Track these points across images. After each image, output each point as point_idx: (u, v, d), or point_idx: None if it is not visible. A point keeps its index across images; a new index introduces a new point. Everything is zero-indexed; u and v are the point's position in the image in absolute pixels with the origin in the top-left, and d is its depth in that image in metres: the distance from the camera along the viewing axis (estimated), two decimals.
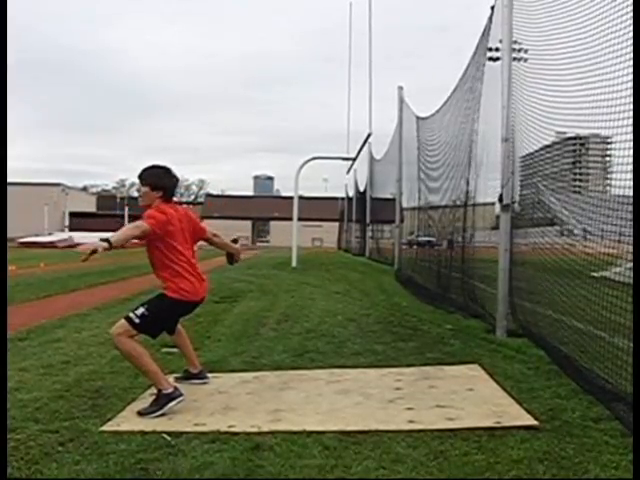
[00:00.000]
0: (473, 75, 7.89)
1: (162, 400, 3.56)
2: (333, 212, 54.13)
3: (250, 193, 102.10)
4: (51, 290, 10.55)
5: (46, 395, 3.85)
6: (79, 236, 45.97)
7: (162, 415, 3.49)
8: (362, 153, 23.12)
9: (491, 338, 5.90)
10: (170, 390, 3.61)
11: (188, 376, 4.24)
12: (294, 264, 19.08)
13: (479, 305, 7.35)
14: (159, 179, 3.84)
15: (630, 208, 3.67)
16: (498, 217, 6.66)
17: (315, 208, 56.80)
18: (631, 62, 3.46)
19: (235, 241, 4.56)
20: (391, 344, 5.70)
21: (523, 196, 6.34)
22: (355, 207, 33.49)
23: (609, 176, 5.74)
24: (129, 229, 3.60)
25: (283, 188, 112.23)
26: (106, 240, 3.28)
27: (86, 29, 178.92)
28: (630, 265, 3.81)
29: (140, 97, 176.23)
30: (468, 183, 7.96)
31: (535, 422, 3.30)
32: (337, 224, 50.97)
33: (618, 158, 3.89)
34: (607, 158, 6.00)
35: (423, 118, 12.76)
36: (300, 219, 21.84)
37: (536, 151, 5.89)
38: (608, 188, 5.60)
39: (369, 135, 19.88)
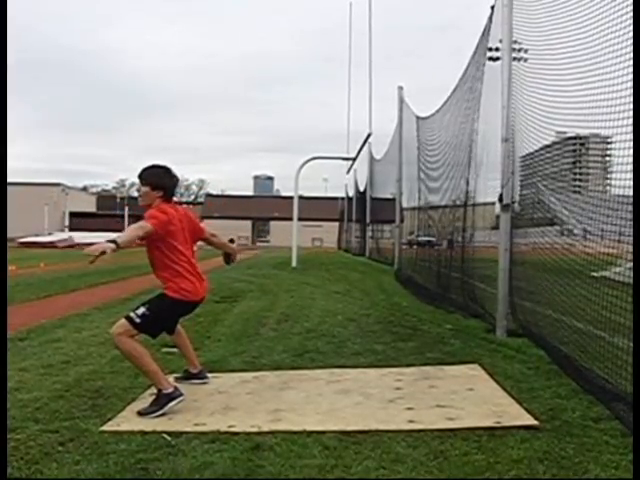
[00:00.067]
0: (473, 75, 7.88)
1: (162, 400, 3.56)
2: (333, 212, 54.13)
3: (250, 193, 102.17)
4: (51, 290, 10.55)
5: (46, 395, 3.85)
6: (79, 236, 46.00)
7: (162, 415, 3.49)
8: (362, 153, 23.14)
9: (491, 338, 5.90)
10: (170, 390, 3.61)
11: (188, 376, 4.24)
12: (294, 264, 19.08)
13: (479, 305, 7.35)
14: (159, 179, 3.84)
15: (630, 208, 3.67)
16: (498, 217, 6.66)
17: (315, 208, 56.80)
18: (631, 62, 3.46)
19: (232, 241, 4.62)
20: (391, 344, 5.70)
21: (523, 196, 6.34)
22: (355, 207, 33.50)
23: (609, 176, 5.74)
24: (133, 229, 3.59)
25: (283, 188, 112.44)
26: (113, 241, 3.28)
27: (86, 29, 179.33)
28: (630, 265, 3.81)
29: (140, 97, 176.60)
30: (468, 183, 7.96)
31: (535, 422, 3.30)
32: (337, 224, 50.97)
33: (618, 158, 3.89)
34: (607, 158, 6.00)
35: (423, 118, 12.76)
36: (300, 219, 21.83)
37: (536, 151, 5.88)
38: (608, 188, 5.60)
39: (369, 135, 19.88)
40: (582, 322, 4.61)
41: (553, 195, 6.20)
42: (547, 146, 5.78)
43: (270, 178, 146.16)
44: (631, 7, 3.53)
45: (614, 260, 4.66)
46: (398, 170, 16.45)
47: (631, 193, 3.54)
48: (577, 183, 6.59)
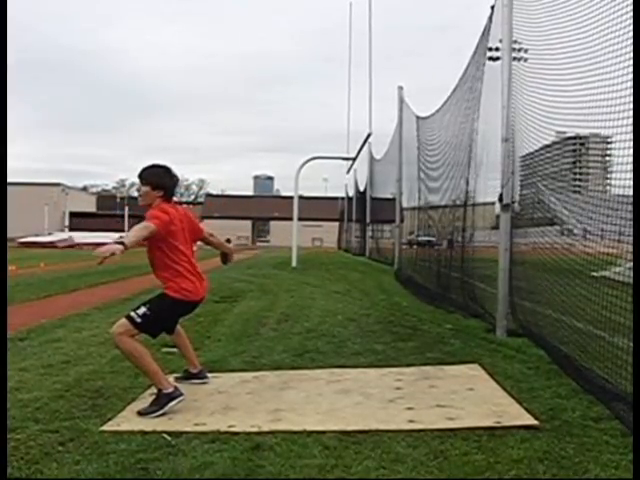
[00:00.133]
0: (473, 75, 7.88)
1: (162, 400, 3.56)
2: (333, 212, 54.16)
3: (250, 193, 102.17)
4: (51, 290, 10.55)
5: (46, 395, 3.85)
6: (79, 236, 46.03)
7: (162, 415, 3.49)
8: (362, 153, 23.15)
9: (491, 338, 5.90)
10: (170, 390, 3.61)
11: (188, 376, 4.24)
12: (294, 264, 19.08)
13: (479, 305, 7.35)
14: (160, 178, 3.83)
15: (630, 208, 3.67)
16: (498, 217, 6.66)
17: (315, 208, 56.84)
18: (631, 62, 3.46)
19: (228, 241, 4.67)
20: (391, 344, 5.70)
21: (523, 196, 6.34)
22: (355, 207, 33.50)
23: (609, 176, 5.74)
24: (139, 230, 3.56)
25: (283, 188, 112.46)
26: (121, 242, 3.28)
27: (86, 29, 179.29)
28: (630, 265, 3.81)
29: (140, 97, 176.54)
30: (468, 183, 7.96)
31: (535, 422, 3.30)
32: (337, 224, 51.00)
33: (618, 158, 3.89)
34: (607, 158, 6.00)
35: (423, 118, 12.77)
36: (300, 219, 21.84)
37: (536, 151, 5.89)
38: (608, 188, 5.60)
39: (369, 135, 19.88)
40: (582, 322, 4.61)
41: (553, 195, 6.20)
42: (547, 146, 5.78)
43: (270, 178, 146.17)
44: (631, 7, 3.53)
45: (614, 260, 4.67)
46: (398, 170, 16.45)
47: (631, 193, 3.54)
48: (577, 183, 6.59)
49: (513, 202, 6.15)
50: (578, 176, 6.62)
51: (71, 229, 57.91)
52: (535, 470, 2.70)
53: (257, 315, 7.61)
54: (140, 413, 3.51)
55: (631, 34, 3.47)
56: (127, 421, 3.40)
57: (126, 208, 59.93)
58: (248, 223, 68.43)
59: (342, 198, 45.48)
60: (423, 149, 12.44)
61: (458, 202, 8.81)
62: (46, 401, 3.71)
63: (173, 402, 3.57)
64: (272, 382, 4.31)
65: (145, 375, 3.76)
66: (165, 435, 3.15)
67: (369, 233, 27.03)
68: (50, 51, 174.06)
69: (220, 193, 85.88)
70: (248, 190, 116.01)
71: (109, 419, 3.42)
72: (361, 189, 30.96)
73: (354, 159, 24.35)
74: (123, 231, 47.93)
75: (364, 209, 27.48)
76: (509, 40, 6.02)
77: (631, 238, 3.42)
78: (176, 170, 4.01)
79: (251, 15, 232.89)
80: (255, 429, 3.23)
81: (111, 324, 3.96)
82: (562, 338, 4.93)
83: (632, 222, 3.46)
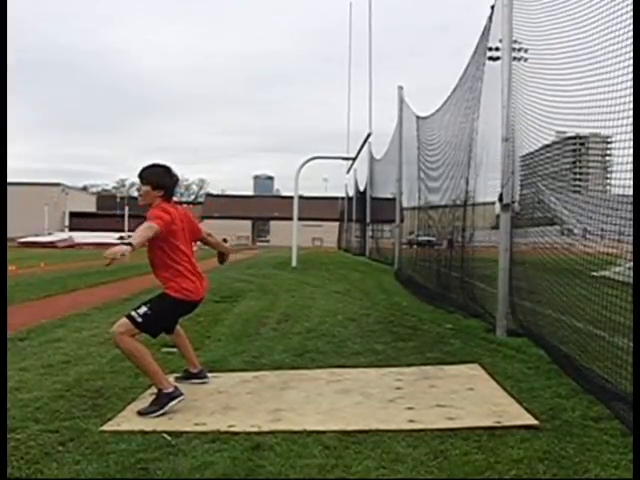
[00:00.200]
0: (473, 75, 7.89)
1: (162, 399, 3.56)
2: (333, 212, 54.18)
3: (250, 193, 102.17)
4: (51, 290, 10.55)
5: (46, 395, 3.85)
6: (79, 236, 46.06)
7: (162, 415, 3.49)
8: (362, 153, 23.17)
9: (491, 338, 5.90)
10: (170, 389, 3.61)
11: (188, 376, 4.24)
12: (294, 264, 19.08)
13: (479, 305, 7.35)
14: (160, 178, 3.83)
15: (630, 207, 3.67)
16: (498, 216, 6.66)
17: (315, 208, 56.86)
18: (631, 61, 3.46)
19: (225, 241, 4.74)
20: (391, 344, 5.70)
21: (523, 195, 6.34)
22: (355, 207, 33.51)
23: (609, 175, 5.74)
24: (144, 230, 3.54)
25: (283, 188, 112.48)
26: (129, 244, 3.29)
27: (86, 29, 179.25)
28: (630, 264, 3.81)
29: (140, 97, 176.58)
30: (468, 183, 7.96)
31: (535, 421, 3.30)
32: (337, 224, 51.02)
33: (618, 157, 3.89)
34: (607, 157, 6.00)
35: (423, 118, 12.77)
36: (300, 219, 21.85)
37: (536, 150, 5.88)
38: (608, 187, 5.60)
39: (369, 135, 19.88)
40: (582, 322, 4.61)
41: (553, 195, 6.20)
42: (547, 146, 5.78)
43: (270, 178, 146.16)
44: (631, 7, 3.53)
45: (614, 260, 4.66)
46: (398, 170, 16.46)
47: (631, 193, 3.54)
48: (577, 183, 6.59)
49: (513, 202, 6.15)
50: (578, 176, 6.62)
51: (71, 229, 57.96)
52: (535, 470, 2.70)
53: (257, 315, 7.61)
54: (140, 413, 3.51)
55: (631, 34, 3.47)
56: (127, 421, 3.40)
57: (126, 208, 59.94)
58: (248, 223, 68.45)
59: (342, 198, 45.50)
60: (423, 149, 12.45)
61: (458, 202, 8.81)
62: (46, 401, 3.71)
63: (173, 402, 3.57)
64: (272, 382, 4.31)
65: (145, 375, 3.75)
66: (165, 435, 3.15)
67: (369, 233, 27.03)
68: (50, 51, 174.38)
69: (220, 193, 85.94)
70: (248, 190, 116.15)
71: (109, 419, 3.41)
72: (361, 189, 30.97)
73: (354, 159, 24.36)
74: (123, 231, 48.00)
75: (364, 209, 27.48)
76: (509, 40, 6.02)
77: (631, 238, 3.42)
78: (176, 170, 4.00)
79: (251, 15, 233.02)
80: (255, 429, 3.23)
81: (111, 324, 3.96)
82: (562, 338, 4.93)
83: (632, 222, 3.46)
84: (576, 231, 5.81)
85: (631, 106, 3.45)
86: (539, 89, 5.33)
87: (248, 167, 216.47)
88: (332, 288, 11.39)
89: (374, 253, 24.93)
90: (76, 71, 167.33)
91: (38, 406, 3.60)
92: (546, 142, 5.64)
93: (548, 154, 5.94)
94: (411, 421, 3.36)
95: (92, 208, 76.57)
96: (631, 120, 3.46)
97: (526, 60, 5.95)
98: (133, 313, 3.62)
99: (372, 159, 25.66)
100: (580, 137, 6.21)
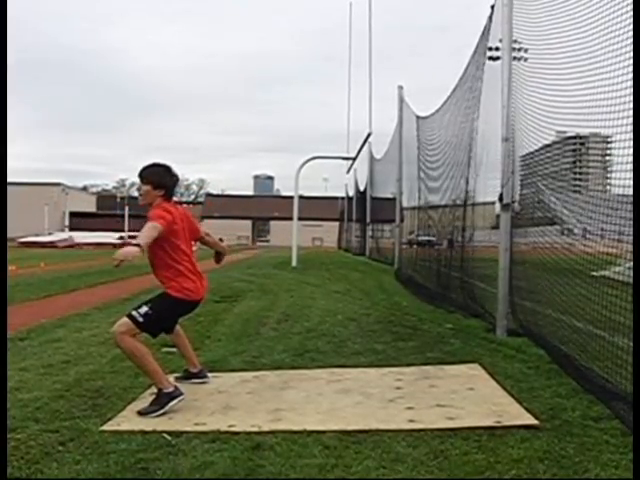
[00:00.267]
0: (473, 74, 7.88)
1: (163, 399, 3.56)
2: (333, 212, 54.19)
3: (250, 193, 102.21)
4: (51, 290, 10.55)
5: (46, 395, 3.85)
6: (79, 236, 46.06)
7: (162, 414, 3.49)
8: (362, 153, 23.16)
9: (491, 337, 5.90)
10: (171, 389, 3.61)
11: (188, 376, 4.24)
12: (294, 264, 19.08)
13: (479, 304, 7.35)
14: (160, 178, 3.83)
15: (630, 207, 3.67)
16: (498, 216, 6.67)
17: (315, 208, 56.87)
18: (631, 61, 3.46)
19: (221, 240, 4.82)
20: (391, 343, 5.70)
21: (523, 195, 6.34)
22: (355, 207, 33.51)
23: (609, 175, 5.74)
24: (149, 230, 3.53)
25: (283, 188, 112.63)
26: (137, 245, 3.29)
27: (86, 28, 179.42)
28: (630, 264, 3.81)
29: (140, 97, 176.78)
30: (468, 182, 7.96)
31: (535, 421, 3.30)
32: (337, 224, 51.03)
33: (618, 157, 3.89)
34: (607, 157, 6.00)
35: (423, 117, 12.77)
36: (300, 219, 21.85)
37: (536, 150, 5.88)
38: (608, 187, 5.60)
39: (369, 135, 19.88)
40: (582, 321, 4.61)
41: (553, 194, 6.20)
42: (547, 145, 5.78)
43: (270, 178, 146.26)
44: (631, 7, 3.53)
45: (614, 259, 4.66)
46: (398, 170, 16.46)
47: (631, 192, 3.54)
48: (577, 182, 6.59)
49: (513, 202, 6.15)
50: (578, 176, 6.62)
51: (71, 229, 57.98)
52: (535, 470, 2.70)
53: (257, 315, 7.61)
54: (140, 413, 3.51)
55: (631, 34, 3.47)
56: (127, 421, 3.40)
57: (126, 208, 59.90)
58: (248, 223, 68.47)
59: (342, 198, 45.50)
60: (423, 149, 12.44)
61: (458, 202, 8.81)
62: (46, 401, 3.71)
63: (173, 402, 3.57)
64: (272, 382, 4.31)
65: (145, 374, 3.76)
66: (165, 435, 3.15)
67: (369, 233, 27.03)
68: (50, 51, 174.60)
69: (220, 193, 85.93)
70: (248, 190, 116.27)
71: (109, 419, 3.42)
72: (361, 189, 30.97)
73: (354, 159, 24.36)
74: (123, 231, 47.98)
75: (364, 209, 27.48)
76: (509, 40, 6.02)
77: (631, 238, 3.42)
78: (176, 169, 4.00)
79: (251, 15, 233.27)
80: (255, 429, 3.23)
81: (111, 324, 3.96)
82: (562, 338, 4.93)
83: (632, 222, 3.46)
84: (576, 231, 5.81)
85: (631, 106, 3.45)
86: (539, 89, 5.33)
87: (248, 167, 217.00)
88: (332, 288, 11.38)
89: (374, 253, 24.92)
90: (76, 71, 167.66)
91: (38, 406, 3.60)
92: (546, 142, 5.64)
93: (548, 154, 5.94)
94: (411, 421, 3.36)
95: (92, 208, 76.57)
96: (631, 120, 3.46)
97: (526, 60, 5.95)
98: (134, 313, 3.62)
99: (372, 159, 25.66)
100: (580, 137, 6.20)
